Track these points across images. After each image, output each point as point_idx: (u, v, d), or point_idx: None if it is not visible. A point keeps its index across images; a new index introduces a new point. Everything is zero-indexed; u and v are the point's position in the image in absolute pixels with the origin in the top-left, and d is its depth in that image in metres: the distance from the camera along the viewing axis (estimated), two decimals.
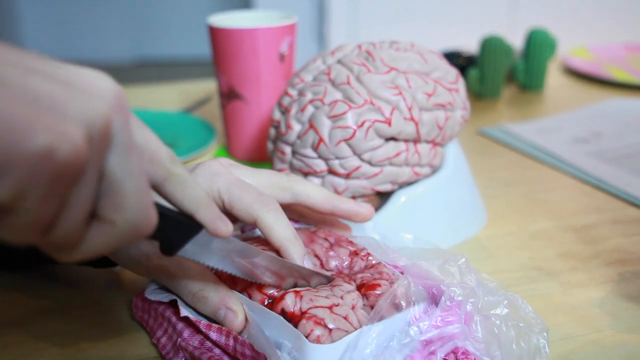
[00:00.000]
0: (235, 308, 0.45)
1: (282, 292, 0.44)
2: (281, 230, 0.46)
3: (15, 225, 0.26)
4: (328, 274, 0.47)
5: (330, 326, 0.41)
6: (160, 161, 0.35)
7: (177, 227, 0.38)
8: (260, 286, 0.45)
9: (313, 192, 0.51)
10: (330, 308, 0.42)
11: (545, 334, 0.44)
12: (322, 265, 0.49)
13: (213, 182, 0.48)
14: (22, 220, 0.26)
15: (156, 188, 0.36)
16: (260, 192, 0.48)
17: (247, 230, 0.55)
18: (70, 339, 0.51)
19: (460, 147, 0.68)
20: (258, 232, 0.54)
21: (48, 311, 0.54)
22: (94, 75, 0.29)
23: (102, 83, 0.29)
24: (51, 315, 0.54)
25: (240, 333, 0.44)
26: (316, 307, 0.42)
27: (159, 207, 0.36)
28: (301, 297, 0.43)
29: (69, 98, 0.27)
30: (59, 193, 0.27)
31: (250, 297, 0.45)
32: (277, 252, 0.47)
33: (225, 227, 0.39)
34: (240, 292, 0.46)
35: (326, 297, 0.43)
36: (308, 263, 0.47)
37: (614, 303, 0.55)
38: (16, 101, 0.25)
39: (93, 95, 0.28)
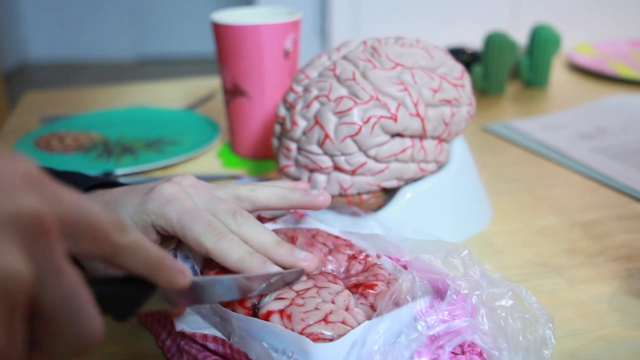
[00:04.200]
0: None
1: (265, 309, 0.43)
2: (233, 254, 0.46)
3: None
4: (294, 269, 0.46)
5: (330, 334, 0.41)
6: (104, 238, 0.31)
7: (127, 298, 0.36)
8: (241, 300, 0.45)
9: (267, 195, 0.52)
10: (324, 319, 0.42)
11: (551, 325, 0.44)
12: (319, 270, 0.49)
13: (166, 210, 0.47)
14: None
15: (106, 262, 0.33)
16: (211, 218, 0.47)
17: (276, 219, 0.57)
18: None
19: (466, 143, 0.68)
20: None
21: None
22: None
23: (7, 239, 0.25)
24: None
25: (229, 338, 0.44)
26: (309, 325, 0.41)
27: (100, 286, 0.34)
28: (289, 316, 0.42)
29: None
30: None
31: (233, 311, 0.45)
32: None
33: (183, 278, 0.37)
34: (224, 306, 0.45)
35: (316, 307, 0.42)
36: (271, 267, 0.46)
37: (621, 299, 0.55)
38: None
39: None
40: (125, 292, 0.35)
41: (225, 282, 0.42)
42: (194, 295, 0.40)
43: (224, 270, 0.47)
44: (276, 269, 0.45)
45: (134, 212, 0.48)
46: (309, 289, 0.45)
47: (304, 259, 0.46)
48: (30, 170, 0.28)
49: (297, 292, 0.44)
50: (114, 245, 0.32)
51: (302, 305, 0.43)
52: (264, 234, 0.48)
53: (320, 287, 0.45)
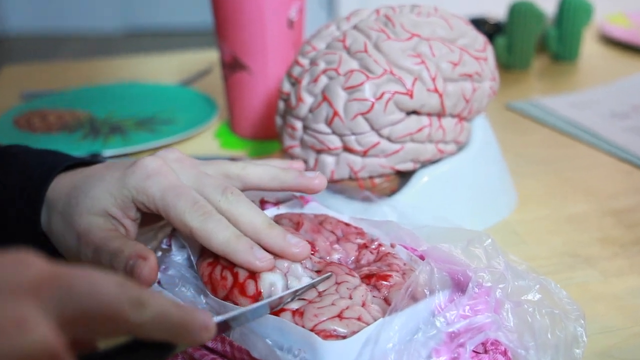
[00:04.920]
0: (146, 254, 0.45)
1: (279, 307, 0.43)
2: (219, 235, 0.46)
3: None
4: (321, 276, 0.46)
5: (343, 332, 0.40)
6: (120, 319, 0.31)
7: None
8: (242, 289, 0.45)
9: (259, 174, 0.52)
10: (339, 315, 0.41)
11: (582, 321, 0.44)
12: (322, 259, 0.48)
13: (147, 185, 0.48)
14: None
15: (126, 334, 0.33)
16: (197, 196, 0.47)
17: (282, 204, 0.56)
18: None
19: (488, 122, 0.67)
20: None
21: None
22: None
23: None
24: None
25: (228, 335, 0.43)
26: (322, 321, 0.41)
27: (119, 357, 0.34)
28: (301, 314, 0.42)
29: None
30: None
31: (235, 302, 0.45)
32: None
33: (207, 334, 0.35)
34: (223, 299, 0.45)
35: (332, 303, 0.42)
36: (259, 252, 0.45)
37: None
38: None
39: None
40: (146, 357, 0.35)
41: (256, 308, 0.42)
42: (222, 329, 0.40)
43: (218, 259, 0.47)
44: (263, 254, 0.45)
45: (113, 187, 0.49)
46: (330, 286, 0.44)
47: (296, 244, 0.46)
48: (38, 274, 0.28)
49: (319, 292, 0.44)
50: (131, 325, 0.31)
51: (319, 301, 0.43)
52: (255, 215, 0.47)
53: (339, 283, 0.44)
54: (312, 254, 0.48)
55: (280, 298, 0.43)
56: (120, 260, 0.45)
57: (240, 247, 0.45)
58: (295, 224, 0.51)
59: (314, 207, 0.56)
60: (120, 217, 0.49)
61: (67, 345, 0.28)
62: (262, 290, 0.44)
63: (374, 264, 0.48)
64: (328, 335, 0.40)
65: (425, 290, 0.43)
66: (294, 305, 0.43)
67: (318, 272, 0.46)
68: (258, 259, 0.45)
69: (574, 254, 0.60)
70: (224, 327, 0.40)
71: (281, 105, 0.65)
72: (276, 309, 0.43)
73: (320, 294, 0.44)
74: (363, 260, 0.49)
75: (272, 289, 0.44)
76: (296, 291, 0.44)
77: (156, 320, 0.32)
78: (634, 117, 0.91)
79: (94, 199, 0.49)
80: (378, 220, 0.52)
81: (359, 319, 0.41)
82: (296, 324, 0.41)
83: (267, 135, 0.84)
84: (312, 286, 0.44)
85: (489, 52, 0.64)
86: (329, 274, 0.45)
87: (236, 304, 0.44)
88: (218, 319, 0.38)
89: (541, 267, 0.58)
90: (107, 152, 0.80)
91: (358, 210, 0.59)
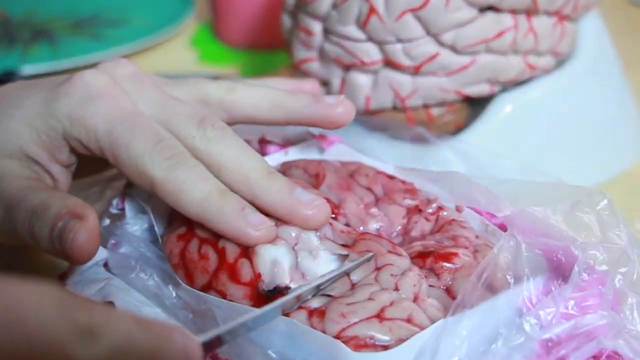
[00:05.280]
0: (83, 211, 0.44)
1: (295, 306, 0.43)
2: (194, 191, 0.45)
3: None
4: (360, 256, 0.45)
5: (385, 339, 0.40)
6: (58, 354, 0.30)
7: None
8: (233, 274, 0.44)
9: (253, 98, 0.51)
10: (379, 315, 0.41)
11: None
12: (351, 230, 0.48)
13: (88, 112, 0.47)
14: None
15: None
16: (162, 132, 0.47)
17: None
18: None
19: (603, 24, 0.67)
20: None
21: None
22: None
23: None
24: None
25: (218, 348, 0.43)
26: (353, 324, 0.41)
27: None
28: (322, 313, 0.42)
29: None
30: None
31: (223, 296, 0.44)
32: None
33: (197, 354, 0.36)
34: (202, 290, 0.45)
35: (369, 298, 0.42)
36: (253, 216, 0.45)
37: None
38: None
39: None
40: None
41: (263, 315, 0.41)
42: (210, 349, 0.40)
43: (193, 229, 0.47)
44: (259, 218, 0.45)
45: (35, 116, 0.48)
46: (367, 273, 0.44)
47: (308, 203, 0.45)
48: None
49: (353, 284, 0.44)
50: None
51: (348, 295, 0.42)
52: (248, 158, 0.47)
53: (380, 267, 0.44)
54: (333, 218, 0.47)
55: (298, 296, 0.42)
56: (45, 220, 0.45)
57: (226, 207, 0.45)
58: (313, 177, 0.51)
59: (340, 151, 0.56)
60: (45, 160, 0.49)
61: None
62: (261, 272, 0.44)
63: (431, 236, 0.48)
64: (362, 345, 0.40)
65: (508, 277, 0.43)
66: (313, 303, 0.43)
67: (345, 246, 0.46)
68: (252, 225, 0.44)
69: None
70: (214, 344, 0.39)
71: None
72: (290, 310, 0.42)
73: (352, 286, 0.43)
74: (415, 231, 0.49)
75: (276, 269, 0.44)
76: (319, 285, 0.43)
77: (115, 355, 0.31)
78: None
79: (6, 135, 0.48)
80: (437, 172, 0.52)
81: (408, 320, 0.41)
82: (314, 327, 0.41)
83: (269, 43, 0.85)
84: (345, 274, 0.44)
85: None
86: (370, 254, 0.44)
87: (223, 295, 0.44)
88: (206, 336, 0.37)
89: None
90: (27, 69, 0.80)
91: (407, 156, 0.60)
